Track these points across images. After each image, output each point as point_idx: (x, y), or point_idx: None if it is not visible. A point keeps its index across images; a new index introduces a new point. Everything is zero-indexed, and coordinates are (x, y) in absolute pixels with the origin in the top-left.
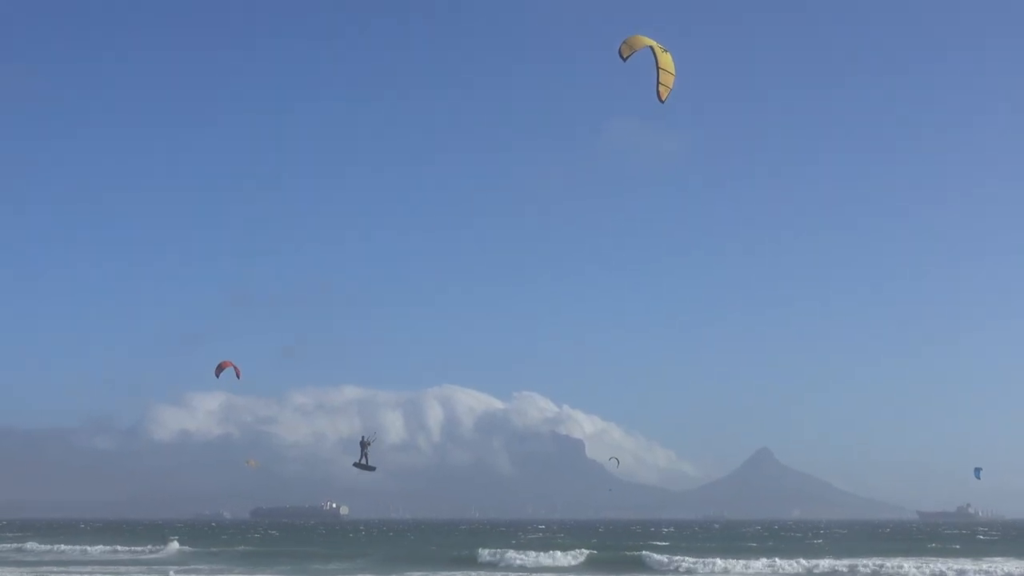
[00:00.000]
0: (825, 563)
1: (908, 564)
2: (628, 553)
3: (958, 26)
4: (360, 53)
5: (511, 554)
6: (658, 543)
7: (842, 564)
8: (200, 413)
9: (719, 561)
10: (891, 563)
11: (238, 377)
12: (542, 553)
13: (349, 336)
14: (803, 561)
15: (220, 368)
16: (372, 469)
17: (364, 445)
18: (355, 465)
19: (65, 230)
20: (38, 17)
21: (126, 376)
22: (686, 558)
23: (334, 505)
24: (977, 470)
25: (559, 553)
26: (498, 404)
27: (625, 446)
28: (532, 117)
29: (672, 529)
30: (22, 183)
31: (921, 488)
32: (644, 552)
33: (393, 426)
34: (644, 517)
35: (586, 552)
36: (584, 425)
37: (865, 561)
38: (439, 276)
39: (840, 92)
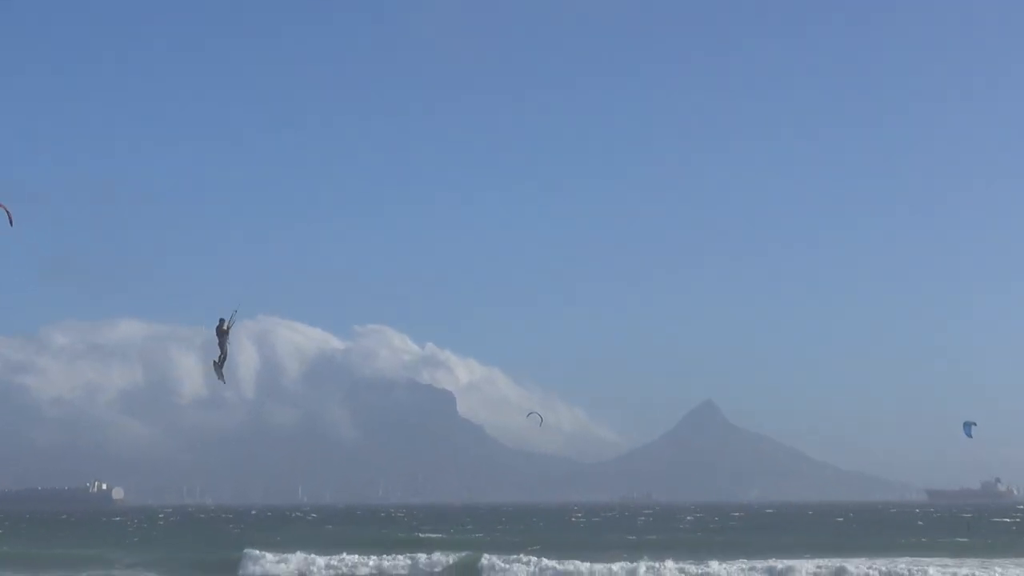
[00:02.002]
0: (799, 566)
1: (903, 566)
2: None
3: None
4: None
5: (284, 560)
6: (557, 538)
7: (813, 566)
8: None
9: (642, 568)
10: (881, 565)
11: (11, 223)
12: (354, 557)
13: (130, 252)
14: (759, 564)
15: None
16: (221, 379)
17: (223, 333)
18: (214, 364)
19: None
20: None
21: None
22: (588, 565)
23: (104, 486)
24: (968, 425)
25: (395, 559)
26: (336, 343)
27: (514, 401)
28: None
29: (581, 516)
30: None
31: (933, 459)
32: (525, 555)
33: (189, 375)
34: (540, 500)
35: (453, 556)
36: (457, 371)
37: (847, 562)
38: (257, 173)
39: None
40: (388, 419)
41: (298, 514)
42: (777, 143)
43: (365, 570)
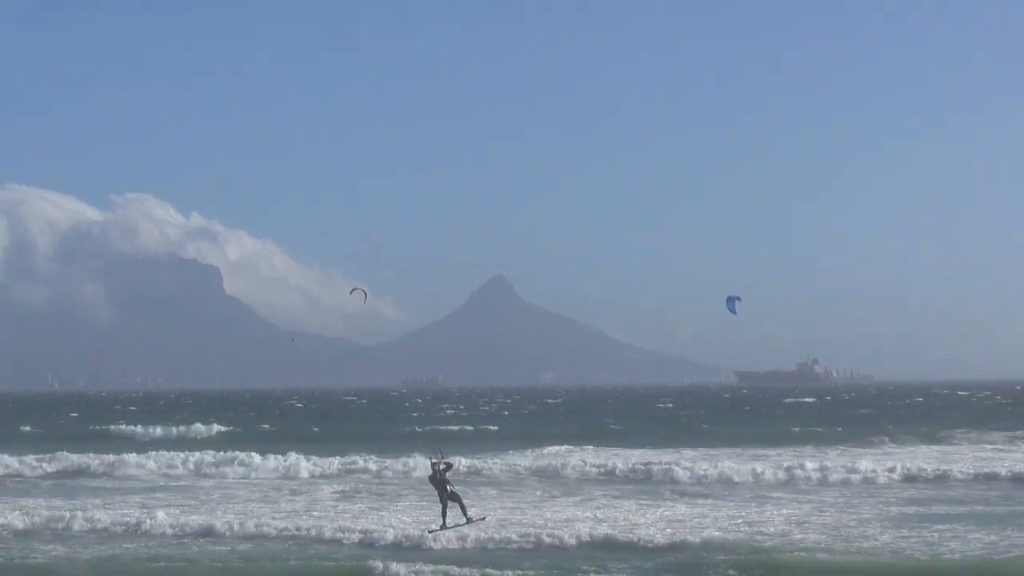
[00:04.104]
0: (573, 457)
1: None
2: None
3: None
4: None
5: None
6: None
7: (599, 459)
8: None
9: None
10: (663, 458)
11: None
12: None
13: None
14: (526, 455)
15: None
16: (471, 520)
17: (440, 472)
18: (431, 532)
19: None
20: None
21: None
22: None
23: None
24: (731, 300)
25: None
26: (93, 214)
27: (292, 278)
28: None
29: (363, 402)
30: None
31: (745, 340)
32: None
33: None
34: (315, 385)
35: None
36: (227, 245)
37: (634, 452)
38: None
39: None
40: (149, 299)
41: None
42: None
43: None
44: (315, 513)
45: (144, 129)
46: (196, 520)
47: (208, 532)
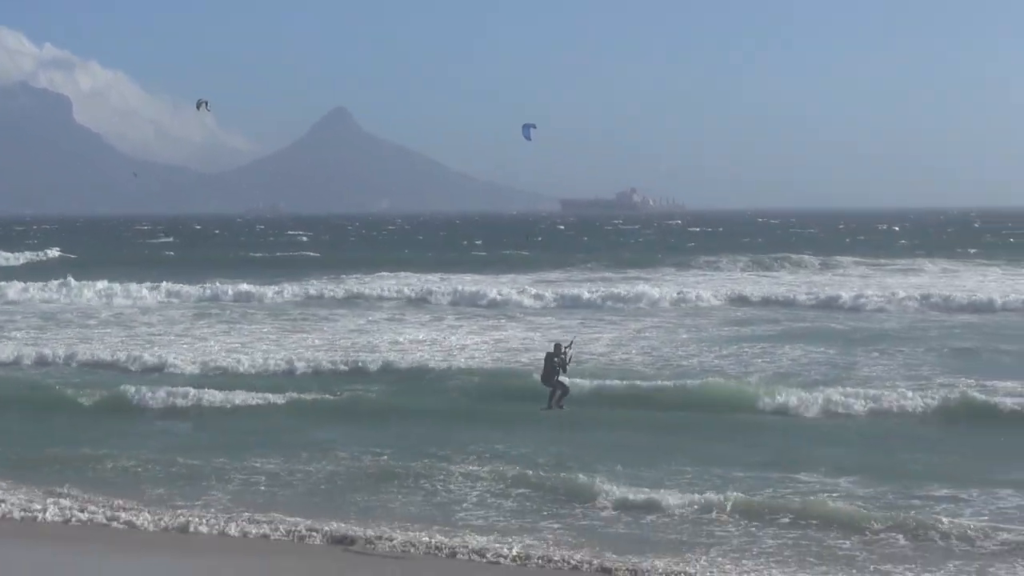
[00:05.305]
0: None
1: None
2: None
3: None
4: None
5: None
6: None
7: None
8: None
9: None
10: (499, 282)
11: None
12: None
13: None
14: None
15: None
16: (561, 408)
17: (562, 359)
18: (545, 410)
19: None
20: None
21: None
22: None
23: None
24: (526, 127)
25: None
26: None
27: (141, 110)
28: None
29: (216, 231)
30: None
31: (570, 169)
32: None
33: None
34: (160, 212)
35: None
36: (78, 76)
37: (434, 276)
38: None
39: None
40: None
41: None
42: None
43: None
44: (158, 340)
45: None
46: (34, 350)
47: (41, 359)
